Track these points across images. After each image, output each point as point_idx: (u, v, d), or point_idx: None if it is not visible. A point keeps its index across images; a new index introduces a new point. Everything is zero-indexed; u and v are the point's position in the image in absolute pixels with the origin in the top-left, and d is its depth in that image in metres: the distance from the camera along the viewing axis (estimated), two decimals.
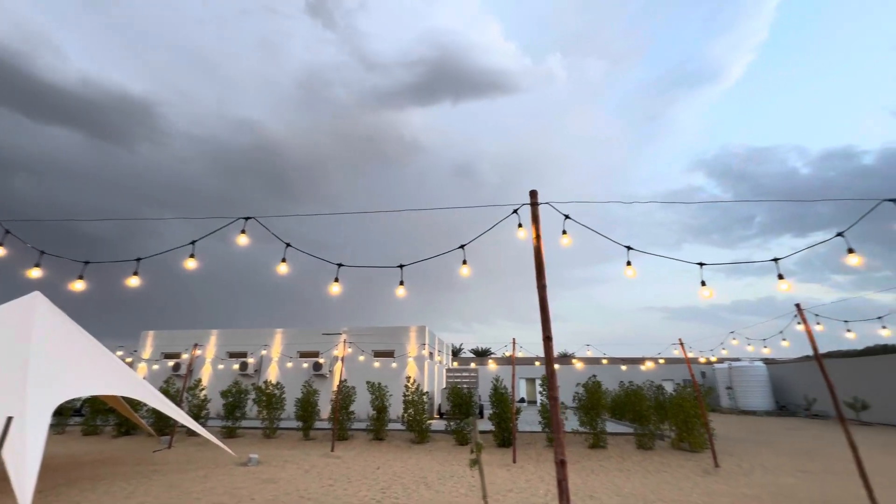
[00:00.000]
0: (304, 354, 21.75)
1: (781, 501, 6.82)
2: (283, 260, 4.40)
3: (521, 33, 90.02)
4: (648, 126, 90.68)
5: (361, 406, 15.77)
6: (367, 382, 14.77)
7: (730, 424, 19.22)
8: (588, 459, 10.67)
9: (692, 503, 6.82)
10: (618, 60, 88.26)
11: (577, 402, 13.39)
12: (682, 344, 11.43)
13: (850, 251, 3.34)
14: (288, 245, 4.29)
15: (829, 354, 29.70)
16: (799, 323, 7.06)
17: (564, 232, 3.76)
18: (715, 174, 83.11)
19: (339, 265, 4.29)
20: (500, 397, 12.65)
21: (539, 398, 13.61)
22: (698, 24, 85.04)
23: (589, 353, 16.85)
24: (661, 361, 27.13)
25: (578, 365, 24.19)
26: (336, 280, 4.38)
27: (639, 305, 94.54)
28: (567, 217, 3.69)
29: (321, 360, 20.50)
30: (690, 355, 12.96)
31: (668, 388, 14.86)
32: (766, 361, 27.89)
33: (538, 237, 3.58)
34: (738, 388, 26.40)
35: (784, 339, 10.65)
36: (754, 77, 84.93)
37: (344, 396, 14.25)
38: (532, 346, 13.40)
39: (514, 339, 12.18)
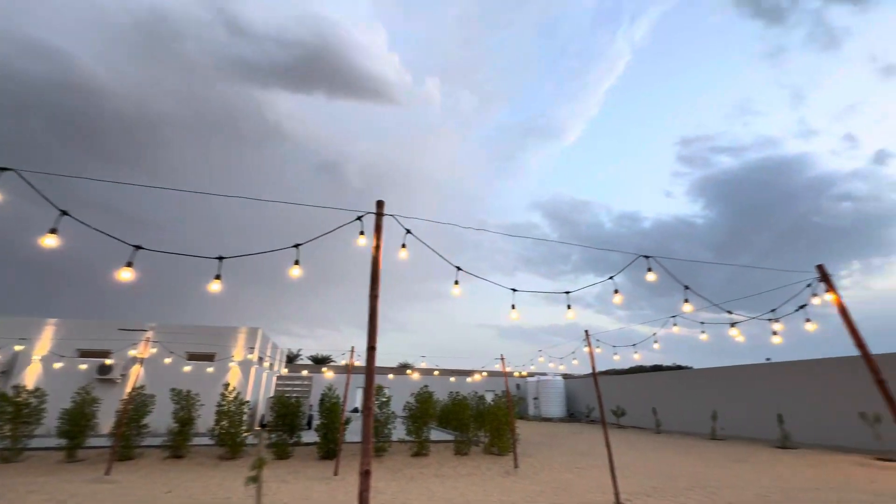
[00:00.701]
0: (87, 354, 17.35)
1: (560, 493, 8.15)
2: (54, 231, 3.36)
3: (405, 48, 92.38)
4: (504, 164, 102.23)
5: (161, 418, 13.23)
6: (172, 390, 12.55)
7: (533, 430, 22.34)
8: (410, 467, 11.02)
9: (492, 501, 7.62)
10: (488, 100, 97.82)
11: (407, 412, 13.79)
12: (503, 359, 12.90)
13: (616, 292, 4.38)
14: (63, 213, 3.30)
15: (607, 372, 37.44)
16: (586, 346, 8.72)
17: (404, 245, 3.89)
18: (548, 215, 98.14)
19: (137, 247, 3.49)
20: (330, 407, 12.20)
21: (375, 407, 13.58)
22: (553, 87, 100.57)
23: (423, 365, 17.63)
24: (485, 374, 30.20)
25: (414, 375, 25.14)
26: (129, 265, 3.55)
27: (477, 322, 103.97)
28: (408, 232, 3.82)
29: (110, 362, 16.64)
30: (509, 369, 14.71)
31: (490, 398, 16.55)
32: (565, 376, 33.58)
33: (378, 247, 3.60)
34: (542, 399, 31.01)
35: (575, 359, 13.03)
36: (585, 142, 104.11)
37: (137, 406, 11.79)
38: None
39: (352, 347, 11.96)
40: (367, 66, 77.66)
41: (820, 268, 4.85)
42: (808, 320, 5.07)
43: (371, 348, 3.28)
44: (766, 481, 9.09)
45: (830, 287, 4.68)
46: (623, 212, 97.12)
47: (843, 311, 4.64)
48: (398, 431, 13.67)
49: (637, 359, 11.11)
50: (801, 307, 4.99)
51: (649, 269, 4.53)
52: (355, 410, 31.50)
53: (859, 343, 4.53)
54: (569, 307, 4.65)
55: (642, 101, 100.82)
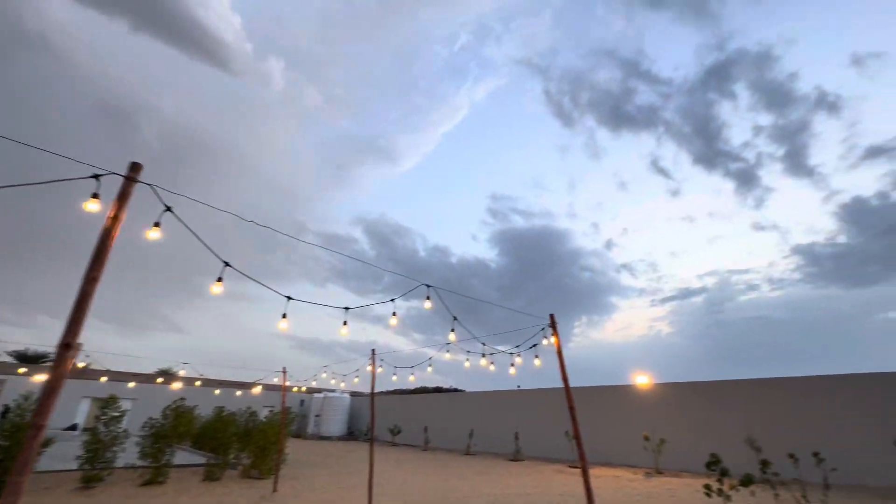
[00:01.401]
0: None
1: None
2: None
3: (253, 16, 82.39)
4: (338, 172, 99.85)
5: None
6: None
7: (309, 449, 21.25)
8: (132, 500, 8.85)
9: None
10: (334, 104, 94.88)
11: (149, 430, 11.25)
12: (284, 372, 11.97)
13: (394, 314, 4.69)
14: None
15: (394, 391, 39.16)
16: (370, 364, 8.87)
17: (157, 224, 3.16)
18: (370, 233, 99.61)
19: None
20: (18, 424, 8.90)
21: (100, 423, 10.51)
22: (398, 115, 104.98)
23: (183, 373, 14.90)
24: (260, 389, 27.47)
25: (175, 385, 20.92)
26: None
27: (272, 330, 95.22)
28: (168, 209, 3.13)
29: None
30: (290, 384, 13.73)
31: (265, 413, 15.01)
32: (353, 394, 33.55)
33: (116, 218, 2.83)
34: (324, 416, 30.07)
35: (357, 377, 13.17)
36: (417, 173, 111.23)
37: None
38: (115, 357, 10.49)
39: (78, 343, 9.17)
40: (197, 12, 65.78)
41: (551, 316, 6.17)
42: (537, 357, 6.46)
43: (66, 346, 2.48)
44: (498, 489, 10.79)
45: (554, 332, 5.98)
46: (437, 244, 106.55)
47: (559, 352, 5.99)
48: (129, 455, 10.96)
49: (412, 380, 11.95)
50: (533, 346, 6.29)
51: (427, 297, 5.01)
52: (72, 427, 24.02)
53: (564, 377, 5.88)
54: (345, 323, 4.66)
55: (470, 152, 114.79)
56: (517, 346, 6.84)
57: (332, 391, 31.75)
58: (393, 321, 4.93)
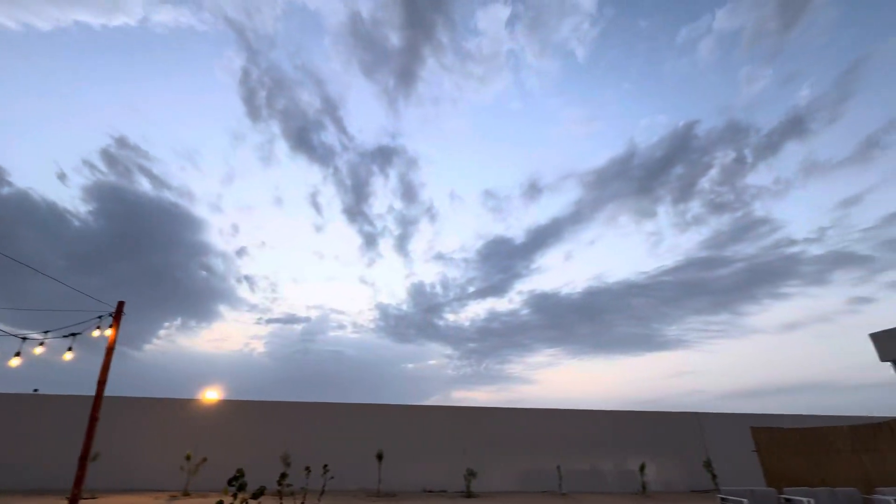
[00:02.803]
0: None
1: None
2: None
3: None
4: None
5: None
6: None
7: None
8: None
9: None
10: None
11: None
12: None
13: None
14: None
15: None
16: None
17: None
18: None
19: None
20: None
21: None
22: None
23: None
24: None
25: None
26: None
27: None
28: None
29: None
30: None
31: None
32: None
33: None
34: None
35: None
36: None
37: None
38: None
39: None
40: None
41: (119, 304, 5.01)
42: (70, 349, 4.87)
43: None
44: None
45: (115, 324, 4.85)
46: None
47: (110, 348, 4.85)
48: None
49: None
50: (74, 335, 4.79)
51: None
52: None
53: (102, 378, 4.75)
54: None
55: (102, 71, 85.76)
56: (48, 332, 4.98)
57: None
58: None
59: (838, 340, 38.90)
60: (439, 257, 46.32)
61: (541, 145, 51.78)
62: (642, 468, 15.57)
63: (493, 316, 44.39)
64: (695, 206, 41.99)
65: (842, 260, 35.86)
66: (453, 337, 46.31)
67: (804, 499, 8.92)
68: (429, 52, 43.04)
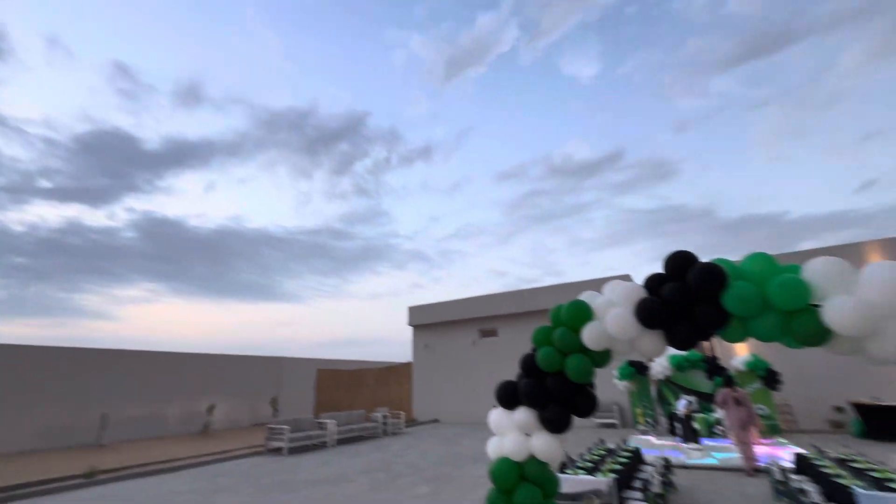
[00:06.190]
0: None
1: None
2: None
3: None
4: None
5: None
6: None
7: None
8: None
9: None
10: None
11: None
12: None
13: None
14: None
15: None
16: None
17: None
18: None
19: None
20: None
21: None
22: None
23: None
24: None
25: None
26: None
27: None
28: None
29: None
30: None
31: None
32: None
33: None
34: None
35: None
36: None
37: None
38: None
39: None
40: None
41: None
42: None
43: None
44: None
45: None
46: None
47: None
48: None
49: None
50: None
51: None
52: None
53: None
54: None
55: None
56: None
57: None
58: None
59: (403, 313, 54.40)
60: None
61: (226, 48, 43.10)
62: (210, 409, 15.60)
63: (74, 228, 32.35)
64: (345, 183, 47.33)
65: (417, 257, 50.47)
66: None
67: (329, 420, 11.52)
68: None
